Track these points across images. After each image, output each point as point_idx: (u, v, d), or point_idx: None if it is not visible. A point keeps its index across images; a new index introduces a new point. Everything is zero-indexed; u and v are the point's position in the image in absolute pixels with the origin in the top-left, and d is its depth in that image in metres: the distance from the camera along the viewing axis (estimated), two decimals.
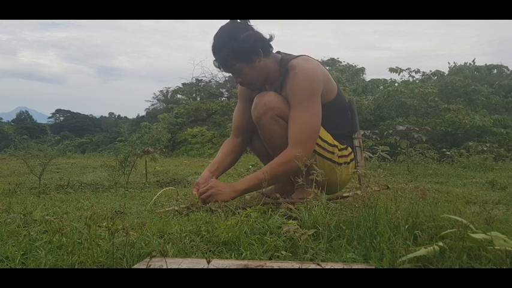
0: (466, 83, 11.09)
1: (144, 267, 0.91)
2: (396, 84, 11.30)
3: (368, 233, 1.14)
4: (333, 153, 1.92)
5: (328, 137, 1.94)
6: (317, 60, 2.00)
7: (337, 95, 1.99)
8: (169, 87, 26.89)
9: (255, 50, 1.82)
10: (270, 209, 1.53)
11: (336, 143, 1.96)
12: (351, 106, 2.12)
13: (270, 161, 2.13)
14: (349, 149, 2.02)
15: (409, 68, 12.15)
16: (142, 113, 33.29)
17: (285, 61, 1.90)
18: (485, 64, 14.02)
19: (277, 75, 1.93)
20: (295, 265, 0.94)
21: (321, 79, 1.88)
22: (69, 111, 52.12)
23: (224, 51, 1.81)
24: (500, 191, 2.88)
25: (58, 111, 51.80)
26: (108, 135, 24.73)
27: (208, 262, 0.85)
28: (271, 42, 1.90)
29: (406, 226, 1.13)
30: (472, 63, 14.62)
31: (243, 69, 1.86)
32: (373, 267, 0.94)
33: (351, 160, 2.02)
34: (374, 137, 5.69)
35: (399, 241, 1.04)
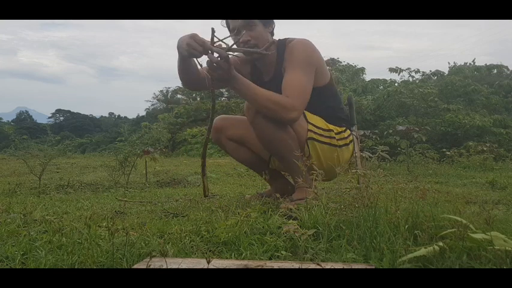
0: (466, 83, 11.10)
1: (144, 267, 0.91)
2: (396, 84, 11.32)
3: (368, 233, 1.14)
4: (330, 137, 1.96)
5: (321, 123, 1.97)
6: None
7: (329, 81, 2.04)
8: (169, 87, 26.94)
9: (272, 20, 1.96)
10: (270, 209, 1.53)
11: (331, 127, 1.99)
12: (350, 101, 2.18)
13: (261, 166, 2.14)
14: (348, 131, 2.06)
15: (409, 68, 12.17)
16: (142, 113, 33.35)
17: (282, 41, 1.97)
18: (485, 64, 14.04)
19: (274, 58, 1.96)
20: (295, 265, 0.94)
21: (317, 55, 1.93)
22: (69, 111, 52.11)
23: None
24: (500, 191, 2.88)
25: (58, 111, 51.79)
26: (108, 135, 24.74)
27: (208, 262, 0.85)
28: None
29: (406, 226, 1.13)
30: (472, 63, 14.63)
31: (257, 28, 1.89)
32: (373, 267, 0.94)
33: (350, 141, 2.06)
34: (374, 137, 5.69)
35: (399, 241, 1.04)
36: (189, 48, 1.63)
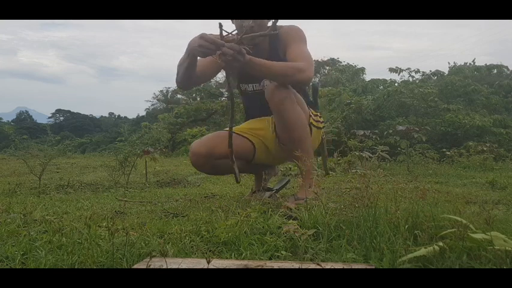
0: (466, 83, 11.10)
1: (144, 267, 0.91)
2: (396, 84, 11.30)
3: (368, 233, 1.14)
4: (317, 121, 2.17)
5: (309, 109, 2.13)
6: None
7: None
8: (169, 87, 26.98)
9: None
10: (270, 209, 1.53)
11: (313, 112, 2.16)
12: (315, 87, 2.42)
13: (252, 167, 2.24)
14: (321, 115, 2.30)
15: (409, 68, 12.15)
16: (142, 113, 33.36)
17: (273, 27, 2.05)
18: (485, 64, 14.04)
19: (267, 44, 2.08)
20: (295, 265, 0.94)
21: None
22: (69, 111, 52.02)
23: None
24: (500, 191, 2.88)
25: (58, 111, 51.70)
26: (108, 135, 24.72)
27: (208, 262, 0.85)
28: None
29: (406, 226, 1.13)
30: (472, 63, 14.64)
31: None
32: (373, 267, 0.94)
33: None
34: (374, 137, 5.69)
35: (399, 241, 1.04)
36: (202, 49, 1.71)
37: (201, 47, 1.71)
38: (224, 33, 1.73)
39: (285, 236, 1.22)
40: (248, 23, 1.93)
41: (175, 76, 1.98)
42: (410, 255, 0.94)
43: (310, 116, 2.09)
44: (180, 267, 0.93)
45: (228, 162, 1.98)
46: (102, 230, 1.32)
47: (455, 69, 14.19)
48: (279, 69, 1.85)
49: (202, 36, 1.72)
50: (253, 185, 2.50)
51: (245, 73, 2.01)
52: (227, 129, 2.20)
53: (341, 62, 16.70)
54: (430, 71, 13.90)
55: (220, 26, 1.73)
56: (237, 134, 2.14)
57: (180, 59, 1.92)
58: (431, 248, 0.95)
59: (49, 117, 51.77)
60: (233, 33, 1.77)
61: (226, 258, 1.10)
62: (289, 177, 2.75)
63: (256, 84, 2.13)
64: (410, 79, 12.52)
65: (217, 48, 1.69)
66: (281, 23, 1.99)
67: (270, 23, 2.03)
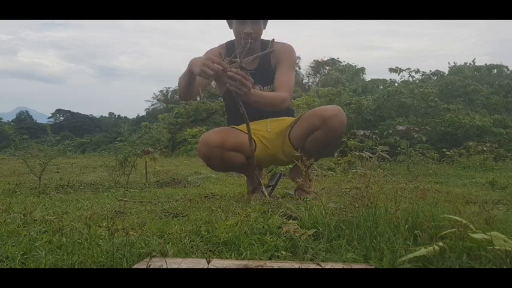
0: (466, 83, 11.11)
1: (144, 267, 0.91)
2: (396, 84, 11.32)
3: (368, 233, 1.14)
4: None
5: None
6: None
7: None
8: (169, 87, 27.05)
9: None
10: (270, 209, 1.53)
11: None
12: None
13: (250, 167, 2.24)
14: None
15: (409, 68, 12.16)
16: (143, 113, 33.42)
17: (265, 41, 2.23)
18: (485, 64, 14.06)
19: (258, 50, 2.19)
20: (295, 265, 0.94)
21: None
22: (69, 111, 52.03)
23: None
24: (500, 191, 2.88)
25: (58, 111, 51.71)
26: (108, 135, 24.74)
27: (208, 262, 0.85)
28: None
29: (406, 226, 1.13)
30: (472, 63, 14.65)
31: (260, 23, 2.17)
32: (373, 267, 0.94)
33: None
34: (374, 137, 5.69)
35: (399, 241, 1.04)
36: (205, 68, 1.79)
37: (205, 65, 1.79)
38: (226, 60, 1.82)
39: (285, 236, 1.22)
40: (248, 29, 2.07)
41: (178, 90, 2.17)
42: (410, 255, 0.94)
43: None
44: (180, 267, 0.93)
45: (237, 156, 2.11)
46: (102, 230, 1.32)
47: (455, 69, 14.21)
48: (270, 100, 2.08)
49: (210, 58, 1.81)
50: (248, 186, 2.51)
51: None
52: (233, 126, 2.27)
53: (341, 62, 16.76)
54: (430, 71, 13.93)
55: (220, 54, 1.86)
56: (241, 131, 2.16)
57: (180, 76, 2.07)
58: (431, 248, 0.95)
59: (49, 117, 51.81)
60: (233, 59, 1.86)
61: (226, 258, 1.10)
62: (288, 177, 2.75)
63: (266, 87, 2.21)
64: (410, 79, 12.53)
65: (223, 70, 1.78)
66: (280, 23, 2.04)
67: (264, 29, 2.18)
